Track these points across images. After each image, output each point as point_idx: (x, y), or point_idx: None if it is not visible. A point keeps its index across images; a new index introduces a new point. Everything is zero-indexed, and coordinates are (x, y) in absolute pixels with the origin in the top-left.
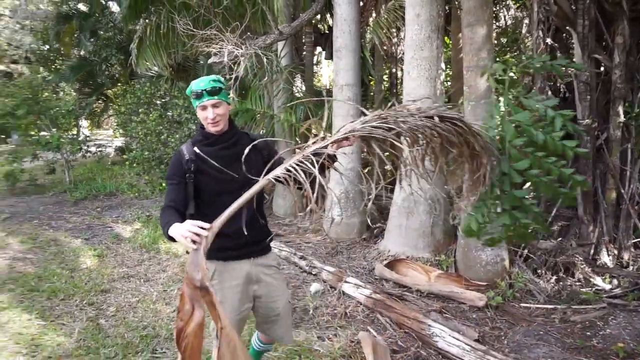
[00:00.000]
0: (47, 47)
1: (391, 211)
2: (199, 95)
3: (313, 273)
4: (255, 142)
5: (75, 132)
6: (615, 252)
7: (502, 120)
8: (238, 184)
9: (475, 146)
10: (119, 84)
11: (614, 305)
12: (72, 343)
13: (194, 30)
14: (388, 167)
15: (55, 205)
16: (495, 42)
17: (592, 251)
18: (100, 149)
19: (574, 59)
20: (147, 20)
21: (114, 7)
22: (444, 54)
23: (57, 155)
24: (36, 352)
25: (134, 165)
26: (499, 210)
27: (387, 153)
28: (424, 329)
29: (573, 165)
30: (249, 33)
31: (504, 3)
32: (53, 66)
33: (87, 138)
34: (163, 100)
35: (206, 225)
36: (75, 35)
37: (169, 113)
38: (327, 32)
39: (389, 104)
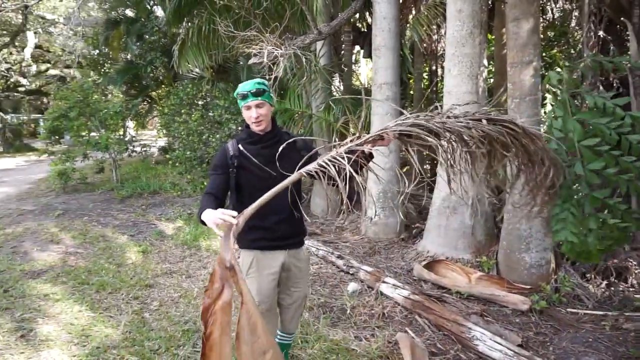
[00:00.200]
0: (97, 51)
1: (430, 211)
2: (244, 96)
3: (350, 272)
4: (292, 139)
5: (122, 133)
6: None
7: (565, 121)
8: (277, 181)
9: (531, 148)
10: (163, 86)
11: None
12: (119, 335)
13: (235, 31)
14: (427, 166)
15: (104, 202)
16: (542, 36)
17: None
18: (144, 148)
19: (628, 52)
20: (189, 23)
21: (159, 12)
22: (487, 50)
23: (106, 155)
24: (86, 342)
25: (177, 164)
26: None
27: (427, 153)
28: (464, 332)
29: None
30: (288, 33)
31: None
32: (102, 70)
33: (133, 138)
34: (204, 101)
35: (235, 213)
36: (123, 40)
37: (210, 113)
38: (366, 30)
39: (432, 107)
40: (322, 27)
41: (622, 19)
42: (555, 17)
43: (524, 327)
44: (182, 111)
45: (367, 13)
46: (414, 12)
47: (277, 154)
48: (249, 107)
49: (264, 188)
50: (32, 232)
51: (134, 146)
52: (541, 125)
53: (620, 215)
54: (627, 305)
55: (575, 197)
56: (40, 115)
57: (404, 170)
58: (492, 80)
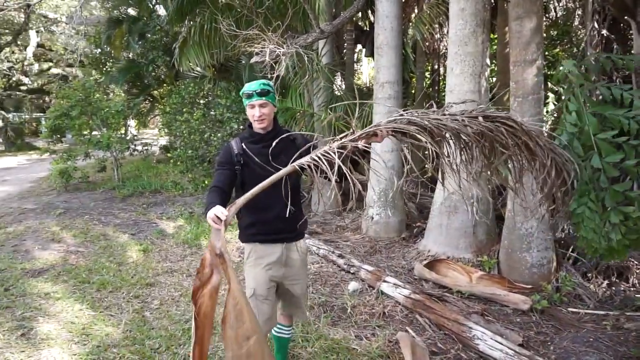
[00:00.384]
0: (99, 50)
1: (432, 210)
2: (249, 96)
3: (351, 272)
4: (287, 134)
5: (123, 132)
6: None
7: (580, 114)
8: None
9: (530, 145)
10: (165, 85)
11: None
12: (120, 333)
13: (236, 30)
14: (427, 165)
15: (105, 201)
16: (544, 35)
17: None
18: (146, 147)
19: (632, 51)
20: (191, 22)
21: (161, 11)
22: (489, 49)
23: (107, 154)
24: (86, 341)
25: (178, 163)
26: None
27: (426, 151)
28: (465, 331)
29: None
30: (290, 32)
31: None
32: (104, 69)
33: (135, 137)
34: (206, 100)
35: (225, 212)
36: (125, 39)
37: (211, 112)
38: (368, 29)
39: (428, 104)
40: (324, 25)
41: (625, 17)
42: (559, 15)
43: (524, 327)
44: (184, 110)
45: (370, 12)
46: (416, 10)
47: (272, 150)
48: (253, 106)
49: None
50: (34, 230)
51: (135, 145)
52: (543, 124)
53: None
54: (628, 305)
55: (594, 191)
56: (42, 114)
57: (405, 169)
58: (494, 79)
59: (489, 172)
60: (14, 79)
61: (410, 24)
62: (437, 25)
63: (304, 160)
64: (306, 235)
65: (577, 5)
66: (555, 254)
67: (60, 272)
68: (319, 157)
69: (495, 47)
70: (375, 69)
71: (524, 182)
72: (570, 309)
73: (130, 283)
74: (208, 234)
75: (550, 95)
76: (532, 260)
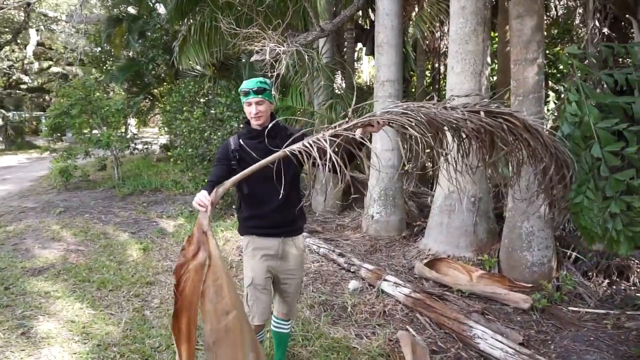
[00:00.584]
0: (99, 49)
1: (432, 209)
2: (246, 93)
3: (352, 270)
4: (274, 120)
5: (123, 130)
6: None
7: (581, 105)
8: (275, 172)
9: (530, 142)
10: (165, 84)
11: None
12: (120, 332)
13: (237, 28)
14: (423, 159)
15: (105, 200)
16: (545, 33)
17: None
18: (146, 146)
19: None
20: (191, 20)
21: (161, 9)
22: (490, 47)
23: (107, 153)
24: (87, 340)
25: (178, 162)
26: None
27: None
28: (465, 330)
29: None
30: (290, 30)
31: None
32: (104, 67)
33: (135, 136)
34: (206, 98)
35: (209, 196)
36: (125, 37)
37: (212, 111)
38: (369, 27)
39: (428, 97)
40: (325, 24)
41: (626, 15)
42: (559, 14)
43: (525, 326)
44: (184, 108)
45: (370, 10)
46: (417, 8)
47: (269, 144)
48: (249, 104)
49: (264, 180)
50: (34, 229)
51: (135, 144)
52: (544, 122)
53: None
54: (628, 304)
55: (593, 181)
56: (42, 112)
57: (406, 168)
58: (495, 77)
59: (487, 168)
60: (14, 77)
61: (411, 22)
62: (437, 24)
63: (295, 146)
64: (306, 234)
65: (578, 4)
66: (555, 253)
67: (61, 271)
68: (310, 144)
69: (495, 45)
70: (375, 68)
71: (522, 176)
72: (570, 308)
73: (131, 282)
74: None
75: (551, 94)
76: (533, 259)
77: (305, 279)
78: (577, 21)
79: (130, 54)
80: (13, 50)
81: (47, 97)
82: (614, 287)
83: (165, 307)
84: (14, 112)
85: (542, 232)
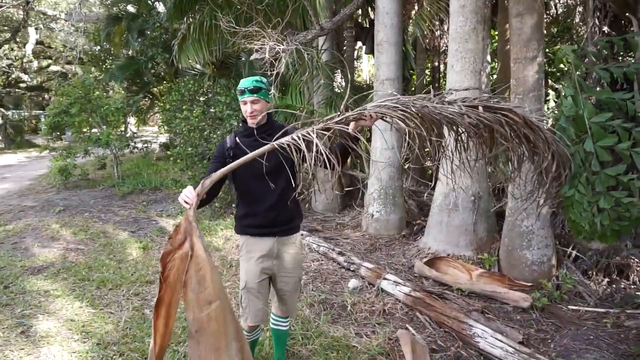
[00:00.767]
0: (99, 47)
1: (432, 208)
2: (242, 92)
3: (351, 269)
4: (269, 119)
5: (123, 129)
6: None
7: (576, 99)
8: (268, 170)
9: (530, 137)
10: (164, 82)
11: None
12: (119, 331)
13: (236, 27)
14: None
15: (105, 198)
16: (545, 32)
17: None
18: (146, 145)
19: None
20: (190, 19)
21: (160, 8)
22: (490, 46)
23: (107, 151)
24: (86, 338)
25: (178, 161)
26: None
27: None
28: (465, 329)
29: None
30: (290, 29)
31: None
32: (104, 66)
33: (134, 134)
34: (206, 97)
35: (194, 192)
36: (124, 36)
37: (211, 110)
38: (368, 26)
39: (425, 90)
40: (324, 22)
41: (627, 14)
42: (559, 12)
43: (525, 324)
44: (184, 107)
45: (370, 8)
46: (416, 7)
47: (264, 142)
48: (245, 102)
49: (256, 176)
50: (33, 228)
51: (135, 142)
52: (544, 119)
53: (637, 194)
54: (628, 303)
55: (585, 174)
56: (41, 111)
57: (406, 166)
58: (495, 76)
59: (488, 165)
60: (13, 76)
61: (411, 20)
62: (437, 22)
63: (284, 139)
64: (306, 232)
65: (578, 2)
66: (555, 252)
67: (60, 270)
68: (299, 137)
69: (495, 44)
70: (375, 66)
71: (522, 173)
72: (570, 307)
73: (130, 280)
74: (208, 232)
75: (551, 92)
76: (533, 258)
77: (305, 278)
78: (577, 20)
79: (130, 53)
80: (12, 49)
81: (46, 96)
82: (614, 285)
83: None
84: (14, 111)
85: (542, 231)
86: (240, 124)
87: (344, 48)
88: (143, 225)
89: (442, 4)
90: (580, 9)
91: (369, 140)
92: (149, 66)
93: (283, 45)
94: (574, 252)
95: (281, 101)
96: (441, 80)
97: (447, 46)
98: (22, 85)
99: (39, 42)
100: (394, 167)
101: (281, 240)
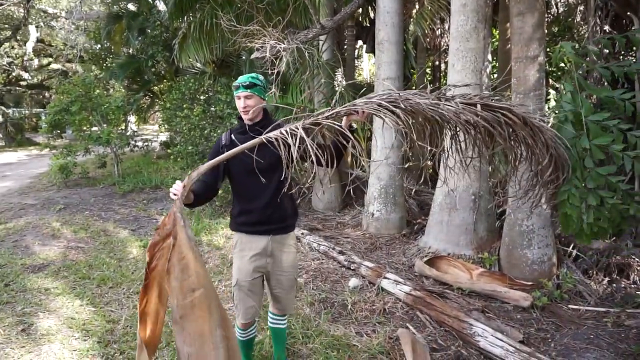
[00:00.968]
0: (99, 46)
1: (432, 207)
2: (236, 88)
3: (352, 268)
4: (264, 116)
5: (123, 127)
6: None
7: (574, 96)
8: (262, 167)
9: (528, 140)
10: (165, 81)
11: None
12: (120, 329)
13: (237, 26)
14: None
15: (105, 197)
16: (546, 31)
17: None
18: (146, 143)
19: (634, 47)
20: (191, 17)
21: (161, 6)
22: (491, 45)
23: (107, 150)
24: (87, 336)
25: (178, 159)
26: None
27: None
28: (465, 328)
29: None
30: (290, 28)
31: None
32: (104, 64)
33: (135, 133)
34: (206, 95)
35: (181, 185)
36: (125, 34)
37: (212, 108)
38: (369, 25)
39: (422, 86)
40: (325, 21)
41: (628, 13)
42: (560, 11)
43: (525, 324)
44: (184, 106)
45: (370, 7)
46: (417, 6)
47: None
48: (239, 98)
49: (251, 173)
50: (34, 226)
51: (135, 141)
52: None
53: (620, 196)
54: (629, 302)
55: (579, 170)
56: (42, 109)
57: (407, 165)
58: (495, 75)
59: (487, 163)
60: (13, 74)
61: (412, 19)
62: (438, 21)
63: (272, 134)
64: (307, 231)
65: (579, 1)
66: (556, 251)
67: (61, 268)
68: (286, 132)
69: (496, 43)
70: (376, 65)
71: (520, 173)
72: (570, 306)
73: (131, 279)
74: (208, 230)
75: (552, 92)
76: (533, 257)
77: (306, 277)
78: (578, 19)
79: (130, 51)
80: (13, 47)
81: (46, 94)
82: (614, 285)
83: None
84: (14, 109)
85: (542, 230)
86: (237, 121)
87: (345, 47)
88: (143, 224)
89: (443, 2)
90: (581, 8)
91: (369, 139)
92: (149, 64)
93: (284, 44)
94: (575, 252)
95: (282, 100)
96: (442, 80)
97: (448, 45)
98: (22, 83)
99: (39, 40)
100: (394, 166)
101: (276, 238)
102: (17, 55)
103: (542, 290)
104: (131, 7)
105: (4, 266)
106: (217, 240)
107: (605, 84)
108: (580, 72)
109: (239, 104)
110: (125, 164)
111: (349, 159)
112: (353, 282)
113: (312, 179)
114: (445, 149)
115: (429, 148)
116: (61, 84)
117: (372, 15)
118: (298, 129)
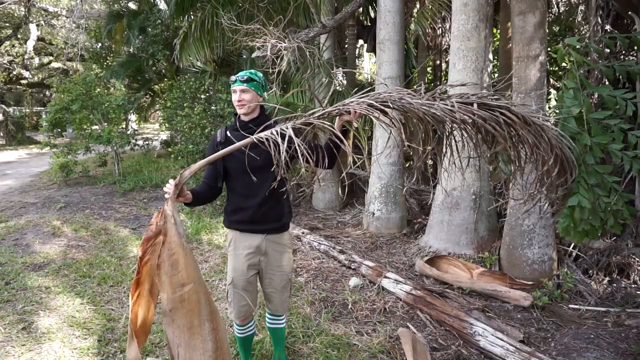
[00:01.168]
0: (100, 44)
1: (433, 206)
2: (233, 81)
3: (352, 267)
4: (260, 113)
5: (124, 126)
6: None
7: (576, 94)
8: (258, 164)
9: (529, 139)
10: (165, 79)
11: None
12: (120, 328)
13: (238, 24)
14: (430, 161)
15: (106, 195)
16: (547, 30)
17: None
18: (147, 142)
19: (634, 48)
20: (192, 16)
21: (162, 5)
22: (492, 44)
23: (108, 148)
24: (87, 335)
25: (179, 158)
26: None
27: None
28: (466, 327)
29: None
30: (291, 27)
31: None
32: (105, 63)
33: (135, 132)
34: (207, 94)
35: (173, 183)
36: (125, 33)
37: (212, 107)
38: (370, 24)
39: (417, 85)
40: (326, 20)
41: (629, 13)
42: (562, 11)
43: (525, 323)
44: (185, 105)
45: (371, 6)
46: (418, 5)
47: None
48: (235, 91)
49: (248, 172)
50: (34, 224)
51: (136, 140)
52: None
53: (615, 197)
54: (629, 302)
55: (584, 166)
56: (42, 108)
57: (407, 165)
58: (497, 75)
59: (488, 164)
60: (14, 72)
61: (413, 19)
62: (439, 20)
63: (263, 134)
64: (307, 230)
65: (580, 1)
66: (556, 251)
67: (61, 266)
68: (276, 132)
69: (497, 42)
70: (377, 65)
71: (523, 174)
72: (571, 306)
73: (131, 278)
74: (209, 229)
75: (553, 91)
76: (533, 257)
77: (306, 276)
78: (579, 18)
79: (131, 50)
80: (13, 45)
81: (47, 93)
82: (615, 284)
83: None
84: (15, 108)
85: (543, 230)
86: (233, 118)
87: (346, 46)
88: (144, 223)
89: (444, 1)
90: (582, 7)
91: (370, 138)
92: (150, 63)
93: (285, 43)
94: (575, 251)
95: (282, 99)
96: (443, 79)
97: (449, 44)
98: (23, 81)
99: (40, 39)
100: (395, 166)
101: (270, 237)
102: (18, 54)
103: (542, 290)
104: (132, 5)
105: (5, 264)
106: (218, 239)
107: (607, 83)
108: (582, 71)
109: (234, 97)
110: (125, 163)
111: (349, 159)
112: (353, 281)
113: (313, 180)
114: (442, 148)
115: (421, 148)
116: (62, 82)
117: (373, 14)
118: (288, 129)
